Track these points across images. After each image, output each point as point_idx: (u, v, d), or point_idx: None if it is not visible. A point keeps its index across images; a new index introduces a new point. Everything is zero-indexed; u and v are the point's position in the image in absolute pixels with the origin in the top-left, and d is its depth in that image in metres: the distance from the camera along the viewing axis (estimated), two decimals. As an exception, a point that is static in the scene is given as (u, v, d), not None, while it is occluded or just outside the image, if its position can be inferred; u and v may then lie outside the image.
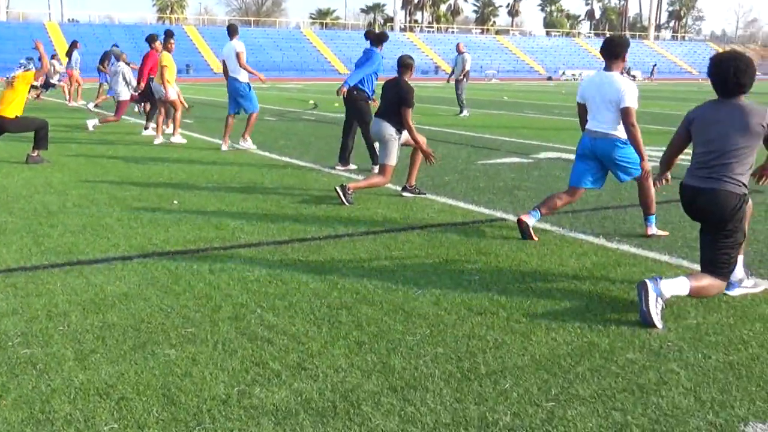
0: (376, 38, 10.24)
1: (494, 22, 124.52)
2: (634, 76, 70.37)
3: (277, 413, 3.16)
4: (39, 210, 7.22)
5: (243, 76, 12.17)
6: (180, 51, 17.42)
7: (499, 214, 7.32)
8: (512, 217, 7.00)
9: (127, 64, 15.58)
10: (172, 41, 13.43)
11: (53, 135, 11.32)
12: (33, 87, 17.36)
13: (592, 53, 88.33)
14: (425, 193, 8.31)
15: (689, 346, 3.97)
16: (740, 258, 4.69)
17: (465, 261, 5.60)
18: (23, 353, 3.76)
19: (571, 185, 6.34)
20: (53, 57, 25.99)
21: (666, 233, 6.45)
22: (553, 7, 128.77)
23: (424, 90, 38.49)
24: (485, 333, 4.11)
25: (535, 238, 6.21)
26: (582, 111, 6.33)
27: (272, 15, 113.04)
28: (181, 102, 13.51)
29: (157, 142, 13.20)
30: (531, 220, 6.25)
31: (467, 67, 20.47)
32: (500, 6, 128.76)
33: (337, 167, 10.39)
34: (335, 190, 7.75)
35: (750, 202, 4.61)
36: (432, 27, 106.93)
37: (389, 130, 7.75)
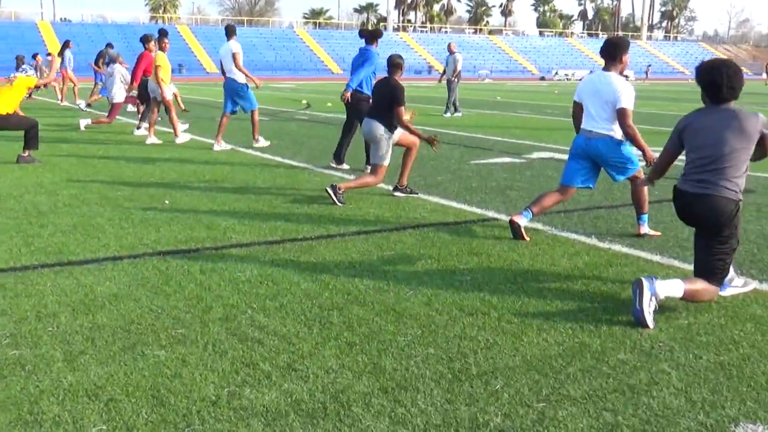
0: (371, 36, 10.17)
1: (487, 21, 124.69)
2: (626, 76, 70.45)
3: (267, 414, 3.15)
4: (29, 210, 7.19)
5: (240, 77, 12.18)
6: (173, 50, 17.45)
7: (491, 214, 7.32)
8: (504, 217, 7.00)
9: (121, 64, 15.55)
10: (166, 40, 13.38)
11: (45, 135, 11.29)
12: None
13: (585, 53, 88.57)
14: (417, 193, 8.30)
15: (680, 346, 3.97)
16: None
17: (457, 261, 5.59)
18: (12, 354, 3.74)
19: (562, 183, 6.34)
20: (48, 55, 25.88)
21: (658, 233, 6.46)
22: (546, 7, 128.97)
23: (417, 90, 38.51)
24: (476, 333, 4.11)
25: (527, 238, 6.21)
26: (578, 110, 6.34)
27: (265, 14, 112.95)
28: (178, 104, 13.50)
29: (149, 141, 13.16)
30: (523, 221, 6.25)
31: (458, 68, 20.47)
32: (493, 6, 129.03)
33: (331, 164, 10.39)
34: (326, 190, 7.74)
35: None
36: (425, 27, 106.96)
37: (381, 129, 7.74)
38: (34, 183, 8.73)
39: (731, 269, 4.82)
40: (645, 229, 6.42)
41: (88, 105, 20.88)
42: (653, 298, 4.24)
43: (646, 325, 4.20)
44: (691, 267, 5.33)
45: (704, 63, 4.55)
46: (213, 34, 75.29)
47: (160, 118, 14.59)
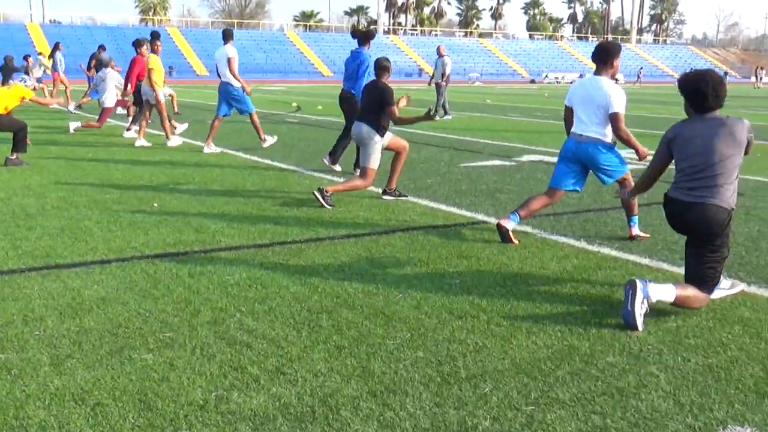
0: (364, 37, 10.13)
1: (478, 25, 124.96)
2: (617, 79, 70.80)
3: (255, 418, 3.13)
4: (17, 213, 7.15)
5: (236, 80, 12.14)
6: (163, 53, 17.38)
7: (480, 217, 7.32)
8: (494, 220, 7.00)
9: (114, 68, 15.50)
10: (158, 43, 13.34)
11: (33, 137, 11.24)
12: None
13: (574, 56, 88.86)
14: (407, 196, 8.30)
15: (669, 349, 3.97)
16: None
17: (446, 264, 5.59)
18: (-2, 358, 3.71)
19: (551, 186, 6.35)
20: (39, 54, 25.80)
21: (647, 236, 6.48)
22: (537, 11, 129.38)
23: (407, 93, 38.52)
24: (466, 337, 4.10)
25: (516, 241, 6.21)
26: (569, 114, 6.35)
27: (256, 17, 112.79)
28: (172, 106, 13.47)
29: (138, 144, 13.11)
30: (510, 224, 6.25)
31: (447, 71, 20.47)
32: (484, 9, 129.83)
33: (324, 160, 10.37)
34: (313, 193, 7.72)
35: None
36: (415, 30, 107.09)
37: (370, 133, 7.73)
38: (22, 186, 8.69)
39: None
40: (636, 230, 6.44)
41: (78, 107, 20.80)
42: (645, 300, 4.25)
43: (635, 327, 4.21)
44: (680, 270, 5.36)
45: (688, 74, 4.59)
46: (203, 36, 75.22)
47: (151, 121, 14.55)
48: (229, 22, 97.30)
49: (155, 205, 7.65)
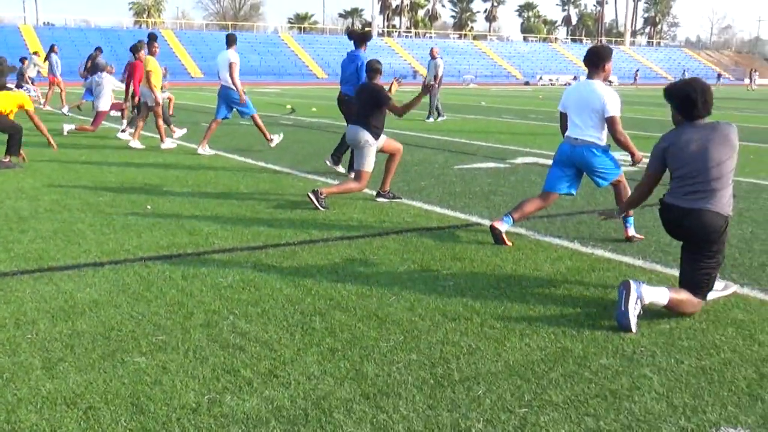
0: (360, 38, 10.11)
1: (472, 27, 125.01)
2: (610, 82, 71.00)
3: (248, 421, 3.12)
4: (10, 215, 7.12)
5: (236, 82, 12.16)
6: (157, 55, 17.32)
7: (474, 219, 7.32)
8: (488, 222, 7.00)
9: (110, 73, 15.46)
10: (156, 45, 13.32)
11: (27, 139, 11.17)
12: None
13: (568, 58, 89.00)
14: (401, 198, 8.29)
15: (662, 351, 3.97)
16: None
17: (440, 266, 5.58)
18: (-11, 362, 3.69)
19: (545, 190, 6.35)
20: (35, 53, 25.72)
21: (641, 237, 6.49)
22: (531, 13, 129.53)
23: (402, 94, 38.50)
24: (459, 339, 4.10)
25: (509, 243, 6.21)
26: (564, 120, 6.35)
27: (250, 19, 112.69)
28: (168, 108, 13.47)
29: (132, 144, 13.09)
30: (503, 226, 6.25)
31: (440, 73, 20.47)
32: (478, 11, 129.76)
33: (326, 161, 10.38)
34: (307, 195, 7.71)
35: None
36: (410, 32, 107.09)
37: (365, 136, 7.73)
38: (14, 188, 8.66)
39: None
40: (632, 231, 6.45)
41: (77, 107, 20.75)
42: (639, 301, 4.25)
43: (629, 328, 4.21)
44: (673, 271, 5.37)
45: (675, 83, 4.64)
46: (197, 38, 75.15)
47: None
48: (223, 24, 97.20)
49: (148, 207, 7.64)
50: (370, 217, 7.31)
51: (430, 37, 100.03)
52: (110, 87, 14.97)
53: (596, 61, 6.08)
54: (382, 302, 4.71)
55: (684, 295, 4.42)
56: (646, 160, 4.97)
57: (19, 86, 23.12)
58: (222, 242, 6.22)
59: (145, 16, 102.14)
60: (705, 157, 4.42)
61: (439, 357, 3.84)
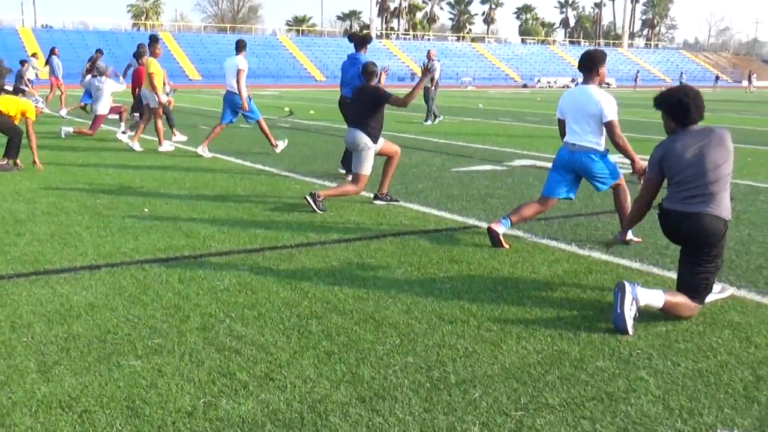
0: (360, 41, 10.13)
1: (470, 29, 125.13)
2: (608, 84, 71.14)
3: (243, 425, 3.11)
4: (6, 218, 7.11)
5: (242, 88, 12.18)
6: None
7: (472, 222, 7.32)
8: (485, 225, 7.00)
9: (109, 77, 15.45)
10: (158, 47, 13.32)
11: (25, 141, 11.15)
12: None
13: (566, 60, 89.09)
14: (398, 201, 8.29)
15: (658, 353, 3.97)
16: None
17: (437, 269, 5.58)
18: (-15, 365, 3.68)
19: (543, 194, 6.35)
20: (33, 56, 25.67)
21: (639, 240, 6.49)
22: (529, 15, 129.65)
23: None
24: (456, 342, 4.09)
25: (506, 246, 6.21)
26: (562, 127, 6.35)
27: (248, 22, 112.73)
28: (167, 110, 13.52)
29: (136, 147, 13.08)
30: (501, 229, 6.25)
31: (436, 75, 20.46)
32: (476, 14, 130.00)
33: (339, 170, 10.40)
34: (305, 198, 7.71)
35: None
36: (408, 34, 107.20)
37: (364, 138, 7.73)
38: (11, 191, 8.65)
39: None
40: (629, 235, 6.44)
41: (82, 108, 20.74)
42: (634, 303, 4.25)
43: (625, 330, 4.21)
44: (670, 274, 5.37)
45: (664, 92, 4.65)
46: (195, 41, 75.15)
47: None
48: (221, 26, 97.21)
49: (146, 210, 7.63)
50: (367, 220, 7.31)
51: (428, 40, 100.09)
52: (110, 91, 14.95)
53: (590, 65, 6.08)
54: (379, 305, 4.70)
55: (680, 299, 4.42)
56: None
57: (16, 89, 23.09)
58: (219, 245, 6.21)
59: (143, 18, 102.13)
60: (702, 161, 4.42)
61: (435, 360, 3.83)
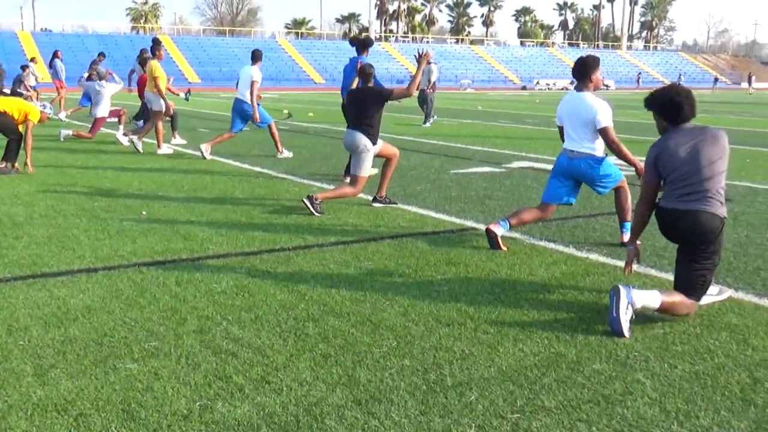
0: (361, 45, 10.15)
1: (469, 32, 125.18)
2: (607, 86, 71.19)
3: (239, 428, 3.11)
4: (4, 221, 7.11)
5: (249, 98, 12.21)
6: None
7: (469, 224, 7.32)
8: (483, 227, 6.99)
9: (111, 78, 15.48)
10: (160, 49, 13.34)
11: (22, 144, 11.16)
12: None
13: (565, 62, 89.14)
14: (396, 203, 8.29)
15: (655, 355, 3.97)
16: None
17: (434, 271, 5.58)
18: (-19, 369, 3.68)
19: (543, 201, 6.35)
20: (32, 60, 25.64)
21: (638, 243, 6.47)
22: (527, 18, 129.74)
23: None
24: (452, 344, 4.09)
25: (504, 248, 6.20)
26: (562, 133, 6.36)
27: (247, 25, 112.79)
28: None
29: (160, 152, 13.11)
30: (499, 230, 6.25)
31: (433, 78, 20.46)
32: (475, 16, 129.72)
33: (346, 180, 10.41)
34: (303, 201, 7.71)
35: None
36: (407, 37, 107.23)
37: (363, 140, 7.73)
38: (10, 194, 8.64)
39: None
40: (627, 236, 6.43)
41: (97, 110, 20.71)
42: (630, 306, 4.24)
43: (622, 334, 4.21)
44: (668, 275, 5.37)
45: (655, 91, 4.66)
46: (194, 44, 75.17)
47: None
48: (220, 29, 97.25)
49: (144, 212, 7.63)
50: (365, 222, 7.31)
51: (427, 42, 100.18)
52: (110, 94, 14.95)
53: (583, 72, 6.09)
54: (376, 307, 4.70)
55: (677, 298, 4.42)
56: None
57: (14, 93, 23.06)
58: (216, 248, 6.21)
59: (142, 21, 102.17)
60: (697, 158, 4.43)
61: (432, 362, 3.83)
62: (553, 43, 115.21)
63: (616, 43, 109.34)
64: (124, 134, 14.87)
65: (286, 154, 12.77)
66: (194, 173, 10.61)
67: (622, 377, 3.68)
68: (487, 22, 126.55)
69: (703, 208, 4.40)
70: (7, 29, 73.61)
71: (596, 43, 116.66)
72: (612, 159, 6.24)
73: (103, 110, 14.80)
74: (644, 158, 4.86)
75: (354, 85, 9.51)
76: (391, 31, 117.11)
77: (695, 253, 4.46)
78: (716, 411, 3.33)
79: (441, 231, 6.99)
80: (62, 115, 20.90)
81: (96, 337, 4.12)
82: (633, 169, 6.12)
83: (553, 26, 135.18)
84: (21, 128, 10.32)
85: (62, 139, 14.83)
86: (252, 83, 12.07)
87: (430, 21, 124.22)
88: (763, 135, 18.70)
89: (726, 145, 4.50)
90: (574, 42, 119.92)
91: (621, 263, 5.83)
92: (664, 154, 4.53)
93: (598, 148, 6.09)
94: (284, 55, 76.71)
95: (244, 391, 3.46)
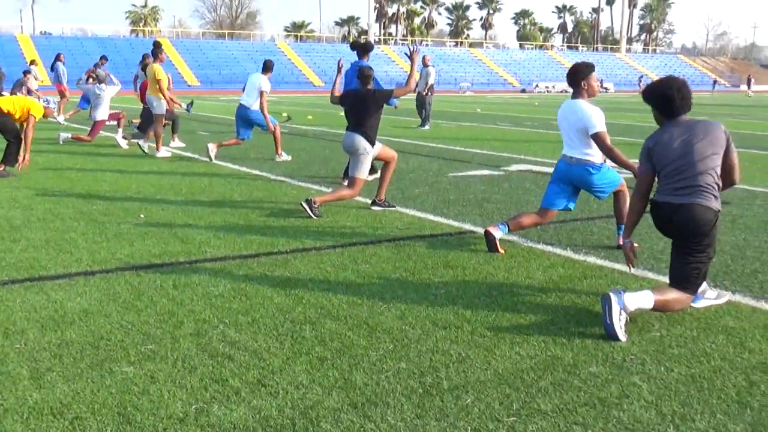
0: (362, 49, 10.19)
1: (468, 34, 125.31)
2: (606, 89, 71.23)
3: (235, 431, 3.11)
4: (2, 224, 7.11)
5: (256, 105, 12.26)
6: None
7: (467, 227, 7.32)
8: (481, 230, 7.00)
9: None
10: (162, 52, 13.35)
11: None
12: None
13: (564, 65, 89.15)
14: (395, 206, 8.29)
15: (652, 359, 3.97)
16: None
17: (432, 274, 5.58)
18: (-23, 372, 3.68)
19: (543, 206, 6.35)
20: (32, 63, 25.65)
21: (637, 245, 6.47)
22: (527, 20, 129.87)
23: (400, 101, 38.52)
24: (449, 347, 4.09)
25: (501, 251, 6.21)
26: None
27: (247, 28, 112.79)
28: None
29: (159, 155, 13.13)
30: (498, 233, 6.25)
31: (431, 81, 20.47)
32: (474, 19, 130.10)
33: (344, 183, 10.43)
34: (301, 204, 7.71)
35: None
36: (406, 40, 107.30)
37: (363, 142, 7.74)
38: (8, 197, 8.64)
39: (704, 282, 4.83)
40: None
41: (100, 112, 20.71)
42: (623, 312, 4.24)
43: (617, 339, 4.20)
44: (665, 278, 5.36)
45: (651, 84, 4.67)
46: (194, 47, 75.21)
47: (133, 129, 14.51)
48: (220, 32, 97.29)
49: (142, 216, 7.63)
50: (363, 226, 7.31)
51: (427, 45, 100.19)
52: (109, 97, 14.95)
53: (575, 79, 6.09)
54: (373, 311, 4.70)
55: (671, 294, 4.42)
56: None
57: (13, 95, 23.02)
58: (214, 251, 6.21)
59: (141, 24, 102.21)
60: (690, 152, 4.44)
61: (428, 366, 3.83)
62: (552, 46, 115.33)
63: (615, 46, 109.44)
64: (124, 137, 14.89)
65: (285, 157, 12.78)
66: (192, 176, 10.61)
67: (618, 380, 3.68)
68: (486, 25, 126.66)
69: (697, 201, 4.40)
70: (6, 32, 73.61)
71: (595, 46, 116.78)
72: (610, 163, 6.24)
73: (102, 113, 14.80)
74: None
75: None
76: (390, 34, 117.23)
77: (689, 246, 4.46)
78: (712, 414, 3.33)
79: (439, 234, 6.99)
80: (61, 119, 20.90)
81: (92, 341, 4.12)
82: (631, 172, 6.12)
83: (552, 29, 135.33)
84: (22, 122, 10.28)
85: (61, 143, 14.84)
86: (261, 93, 12.14)
87: (429, 24, 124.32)
88: (761, 138, 18.71)
89: (720, 136, 4.46)
90: (573, 45, 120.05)
91: (618, 266, 5.84)
92: (658, 147, 4.55)
93: (596, 154, 6.08)
94: (283, 58, 76.73)
95: (240, 394, 3.46)
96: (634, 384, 3.63)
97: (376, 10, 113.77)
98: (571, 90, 6.21)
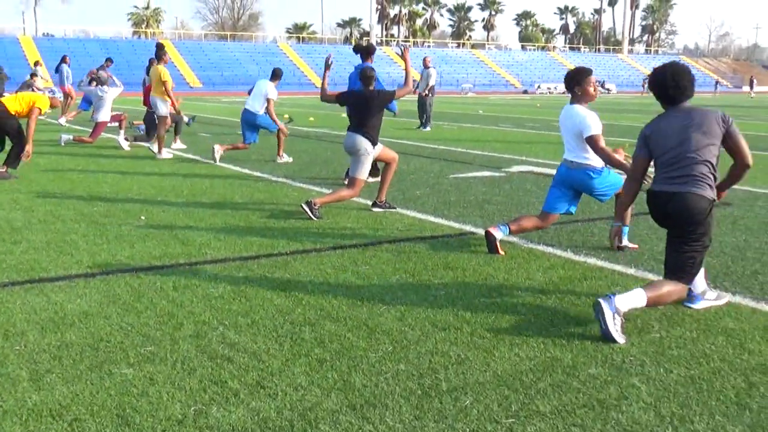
0: (365, 51, 10.22)
1: (470, 36, 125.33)
2: (608, 90, 71.22)
3: (233, 433, 3.11)
4: (3, 226, 7.12)
5: (262, 111, 12.34)
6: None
7: (468, 228, 7.32)
8: (481, 231, 7.00)
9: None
10: (165, 53, 13.37)
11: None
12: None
13: (566, 67, 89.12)
14: (395, 208, 8.29)
15: (651, 360, 3.96)
16: (702, 270, 4.69)
17: (432, 276, 5.58)
18: (-24, 374, 3.68)
19: (544, 210, 6.34)
20: (36, 64, 25.66)
21: (635, 246, 6.48)
22: (529, 22, 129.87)
23: (400, 103, 38.53)
24: (448, 349, 4.09)
25: (502, 252, 6.20)
26: None
27: (249, 29, 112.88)
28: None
29: (160, 157, 13.14)
30: (499, 234, 6.25)
31: (431, 82, 20.47)
32: (476, 20, 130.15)
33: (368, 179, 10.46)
34: (301, 206, 7.72)
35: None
36: (408, 41, 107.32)
37: (364, 144, 7.75)
38: (9, 199, 8.66)
39: (704, 282, 4.83)
40: (625, 241, 6.44)
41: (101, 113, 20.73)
42: (615, 315, 4.23)
43: (615, 342, 4.20)
44: (664, 280, 5.35)
45: (654, 70, 4.67)
46: (196, 48, 75.29)
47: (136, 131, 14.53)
48: (221, 34, 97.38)
49: (142, 218, 7.63)
50: (363, 227, 7.31)
51: (429, 46, 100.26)
52: (111, 99, 14.98)
53: (571, 84, 6.11)
54: (373, 312, 4.70)
55: (664, 288, 4.40)
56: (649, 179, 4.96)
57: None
58: (214, 252, 6.21)
59: (143, 26, 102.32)
60: (685, 142, 4.44)
61: (427, 367, 3.83)
62: (554, 47, 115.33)
63: (617, 47, 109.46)
64: (126, 139, 14.90)
65: (286, 158, 12.80)
66: (194, 178, 10.62)
67: (617, 382, 3.67)
68: (488, 26, 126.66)
69: (692, 190, 4.40)
70: (9, 34, 73.73)
71: (597, 47, 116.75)
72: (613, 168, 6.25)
73: (104, 115, 14.82)
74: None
75: None
76: (392, 35, 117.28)
77: (684, 235, 4.46)
78: (711, 416, 3.32)
79: (439, 235, 6.99)
80: (62, 120, 20.92)
81: (92, 342, 4.13)
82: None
83: (554, 30, 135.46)
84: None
85: (63, 144, 14.85)
86: (268, 101, 12.22)
87: (431, 25, 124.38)
88: (764, 138, 18.69)
89: (715, 127, 4.43)
90: (575, 46, 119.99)
91: (619, 267, 5.84)
92: (655, 134, 4.57)
93: (596, 158, 6.08)
94: (285, 60, 76.80)
95: (239, 396, 3.46)
96: (633, 385, 3.63)
97: (378, 12, 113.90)
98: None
